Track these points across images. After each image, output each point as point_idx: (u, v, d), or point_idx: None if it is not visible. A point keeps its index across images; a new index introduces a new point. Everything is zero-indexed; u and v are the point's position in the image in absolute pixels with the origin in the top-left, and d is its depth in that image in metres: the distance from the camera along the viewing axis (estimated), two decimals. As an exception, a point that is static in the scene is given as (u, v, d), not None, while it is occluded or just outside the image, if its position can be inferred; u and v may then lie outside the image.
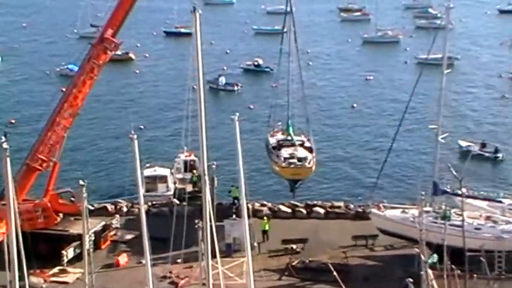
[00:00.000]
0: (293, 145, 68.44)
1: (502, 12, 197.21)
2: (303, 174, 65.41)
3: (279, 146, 68.42)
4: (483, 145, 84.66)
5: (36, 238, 49.35)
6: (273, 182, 70.97)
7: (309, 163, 65.00)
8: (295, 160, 64.88)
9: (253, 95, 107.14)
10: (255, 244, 53.61)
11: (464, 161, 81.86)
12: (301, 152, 66.54)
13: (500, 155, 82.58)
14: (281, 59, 70.67)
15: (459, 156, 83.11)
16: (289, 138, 70.04)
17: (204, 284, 33.95)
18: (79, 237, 50.76)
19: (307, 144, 69.15)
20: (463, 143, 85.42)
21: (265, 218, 61.76)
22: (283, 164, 64.69)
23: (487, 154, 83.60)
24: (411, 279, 47.78)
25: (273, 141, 69.42)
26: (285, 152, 66.43)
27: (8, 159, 30.57)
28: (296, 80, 72.66)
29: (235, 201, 60.61)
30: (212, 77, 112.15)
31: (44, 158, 56.37)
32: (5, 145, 30.22)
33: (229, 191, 62.98)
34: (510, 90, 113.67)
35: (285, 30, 70.22)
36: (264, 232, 59.65)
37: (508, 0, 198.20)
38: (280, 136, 71.04)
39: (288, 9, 69.96)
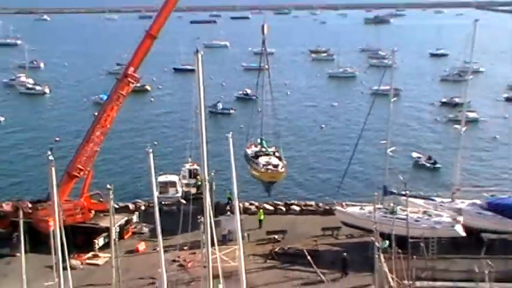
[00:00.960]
0: (268, 155, 68.98)
1: (432, 55, 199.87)
2: (278, 177, 65.93)
3: (257, 155, 68.78)
4: (429, 157, 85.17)
5: (75, 230, 49.69)
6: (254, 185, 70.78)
7: (281, 168, 65.83)
8: (271, 166, 65.56)
9: (244, 117, 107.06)
10: (245, 235, 53.65)
11: (414, 168, 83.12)
12: (274, 160, 67.21)
13: (438, 165, 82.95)
14: (261, 90, 71.48)
15: (410, 165, 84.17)
16: (263, 149, 70.56)
17: (205, 266, 33.90)
18: (107, 229, 51.01)
19: (277, 154, 69.48)
20: (414, 155, 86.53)
21: (261, 210, 62.88)
22: (262, 170, 65.23)
23: (428, 164, 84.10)
24: (345, 254, 50.22)
25: (250, 152, 69.86)
26: (262, 160, 67.01)
27: (53, 168, 30.71)
28: (276, 106, 73.65)
29: (229, 201, 60.69)
30: (211, 103, 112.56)
31: (81, 167, 56.79)
32: (50, 157, 30.45)
33: (228, 196, 62.86)
34: (440, 115, 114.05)
35: (266, 66, 70.99)
36: (260, 221, 60.75)
37: (437, 46, 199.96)
38: (254, 148, 71.31)
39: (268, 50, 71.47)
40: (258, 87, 71.70)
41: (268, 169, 65.30)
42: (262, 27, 70.30)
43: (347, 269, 49.79)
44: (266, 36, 70.37)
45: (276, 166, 65.96)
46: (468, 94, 67.22)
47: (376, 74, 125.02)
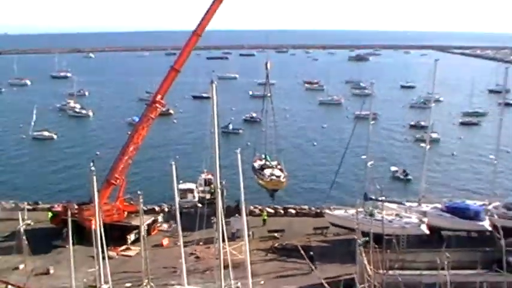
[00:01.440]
0: (271, 167, 69.23)
1: (402, 87, 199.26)
2: (280, 185, 66.29)
3: (262, 168, 69.13)
4: (404, 171, 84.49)
5: (111, 227, 49.70)
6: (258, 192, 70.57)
7: (283, 178, 66.27)
8: (274, 177, 65.87)
9: (250, 136, 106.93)
10: (250, 233, 53.41)
11: (392, 179, 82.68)
12: (277, 172, 67.49)
13: (409, 177, 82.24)
14: (265, 114, 71.91)
15: (389, 176, 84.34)
16: (267, 163, 70.77)
17: (217, 258, 33.77)
18: (137, 227, 51.13)
19: (279, 167, 69.70)
20: (393, 168, 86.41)
21: (264, 212, 63.85)
22: (268, 179, 65.59)
23: (401, 176, 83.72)
24: (311, 253, 50.11)
25: (257, 165, 70.04)
26: (268, 172, 67.56)
27: (95, 177, 30.75)
28: (277, 127, 73.92)
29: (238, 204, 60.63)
30: (224, 124, 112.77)
31: (117, 176, 56.89)
32: (92, 168, 30.53)
33: (236, 202, 62.59)
34: (409, 135, 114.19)
35: (269, 94, 71.48)
36: (264, 220, 61.85)
37: (406, 80, 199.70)
38: (260, 162, 71.45)
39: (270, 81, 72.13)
40: (263, 111, 72.27)
41: (272, 179, 65.88)
42: (266, 64, 71.51)
43: (314, 263, 49.39)
44: (269, 70, 71.34)
45: (278, 177, 66.31)
46: (431, 118, 67.12)
47: (358, 102, 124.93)
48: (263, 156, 72.65)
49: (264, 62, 72.85)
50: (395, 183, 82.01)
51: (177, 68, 58.69)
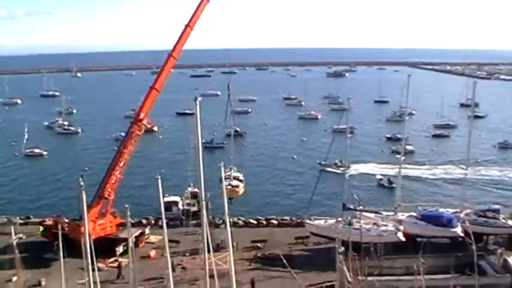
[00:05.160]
0: (229, 178, 73.08)
1: (376, 101, 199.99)
2: (234, 194, 69.97)
3: (225, 178, 70.98)
4: (389, 179, 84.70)
5: (100, 240, 49.40)
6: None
7: (237, 187, 71.43)
8: (230, 186, 69.21)
9: (233, 150, 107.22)
10: (235, 244, 53.29)
11: (377, 187, 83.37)
12: (234, 182, 72.42)
13: (394, 185, 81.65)
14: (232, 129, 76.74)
15: (374, 184, 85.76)
16: (230, 174, 74.52)
17: (202, 269, 33.59)
18: (125, 240, 50.71)
19: (241, 177, 74.59)
20: (378, 176, 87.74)
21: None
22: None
23: (386, 184, 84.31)
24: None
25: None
26: (226, 182, 69.20)
27: (84, 191, 30.55)
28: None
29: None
30: (207, 139, 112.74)
31: (110, 190, 56.69)
32: (81, 183, 30.29)
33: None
34: (385, 147, 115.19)
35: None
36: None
37: (380, 95, 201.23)
38: (228, 172, 74.15)
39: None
40: (225, 126, 76.03)
41: (227, 189, 67.74)
42: (228, 84, 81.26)
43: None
44: (230, 90, 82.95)
45: (234, 186, 70.69)
46: (406, 131, 67.71)
47: (336, 116, 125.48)
48: (231, 167, 75.76)
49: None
50: (380, 190, 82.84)
51: (156, 88, 58.99)
